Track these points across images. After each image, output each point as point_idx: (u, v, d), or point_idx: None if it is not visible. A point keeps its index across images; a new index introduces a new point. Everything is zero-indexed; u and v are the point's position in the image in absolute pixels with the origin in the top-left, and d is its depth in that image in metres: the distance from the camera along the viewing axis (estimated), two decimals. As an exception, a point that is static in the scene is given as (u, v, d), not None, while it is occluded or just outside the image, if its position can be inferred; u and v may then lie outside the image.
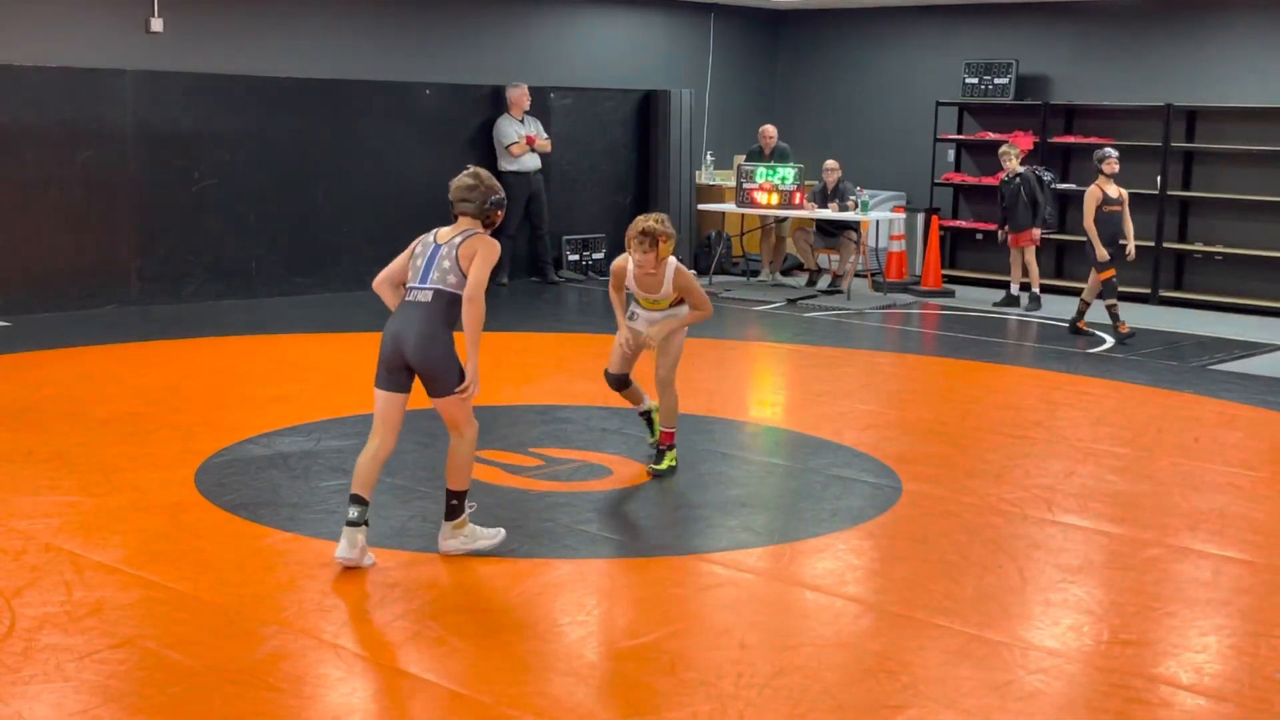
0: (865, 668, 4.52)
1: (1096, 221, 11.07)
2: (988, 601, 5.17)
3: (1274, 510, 6.51)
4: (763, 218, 14.11)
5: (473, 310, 5.30)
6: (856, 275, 14.02)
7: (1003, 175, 12.93)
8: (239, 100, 11.94)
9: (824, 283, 13.81)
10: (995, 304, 13.00)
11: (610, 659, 4.64)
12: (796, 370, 10.00)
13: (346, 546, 5.24)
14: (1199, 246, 13.57)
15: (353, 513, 5.27)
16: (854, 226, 13.37)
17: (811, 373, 9.75)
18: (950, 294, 13.72)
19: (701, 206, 14.65)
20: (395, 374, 5.35)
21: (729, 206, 14.11)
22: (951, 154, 15.28)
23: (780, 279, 14.24)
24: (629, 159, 14.83)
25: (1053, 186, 12.98)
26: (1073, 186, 13.96)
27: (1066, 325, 11.63)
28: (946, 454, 7.39)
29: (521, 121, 13.34)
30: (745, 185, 13.52)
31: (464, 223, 5.46)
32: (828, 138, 15.94)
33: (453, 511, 5.45)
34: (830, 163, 13.64)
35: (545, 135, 13.52)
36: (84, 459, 6.78)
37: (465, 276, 5.29)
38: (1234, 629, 4.98)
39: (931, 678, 4.45)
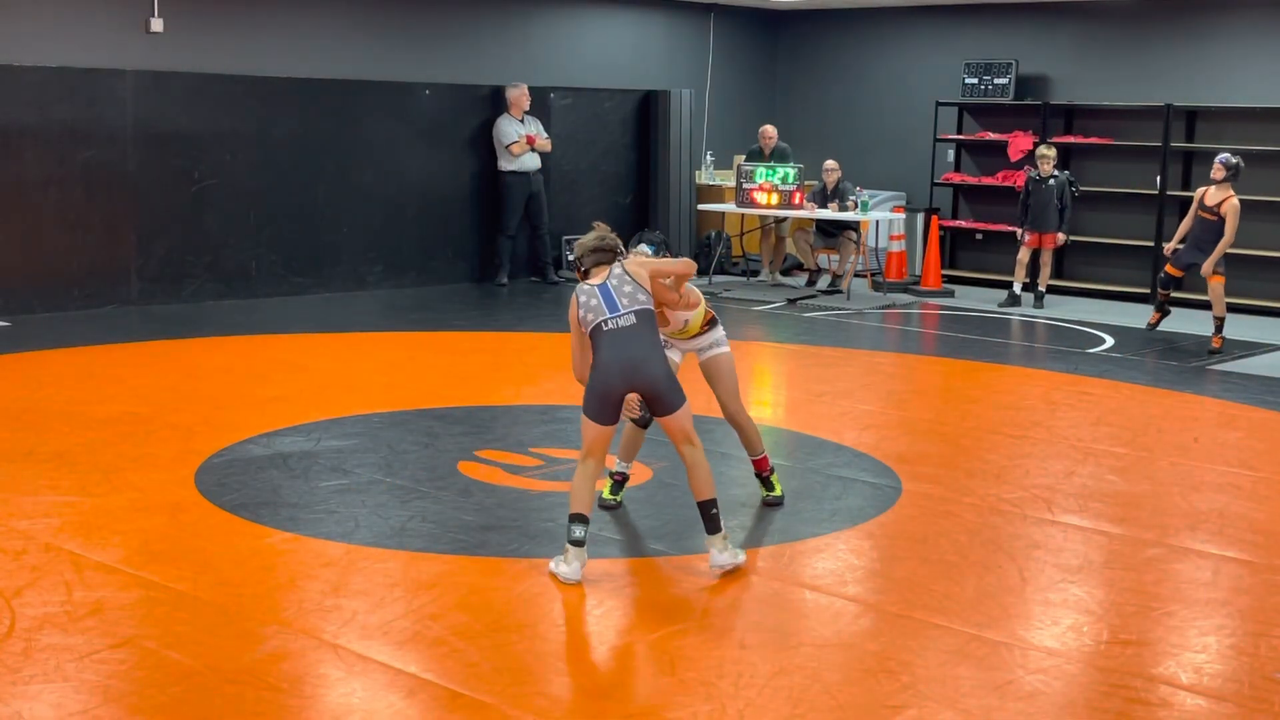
0: (865, 668, 4.53)
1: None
2: (988, 601, 5.17)
3: (1274, 510, 6.51)
4: (763, 218, 14.11)
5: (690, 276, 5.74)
6: (856, 275, 14.02)
7: (1031, 174, 12.92)
8: (239, 100, 11.93)
9: (824, 283, 13.81)
10: (1001, 304, 12.98)
11: (610, 659, 4.64)
12: (796, 370, 10.00)
13: (577, 569, 5.25)
14: (1199, 246, 13.57)
15: (578, 532, 5.25)
16: (854, 226, 13.37)
17: (811, 373, 9.75)
18: (950, 294, 13.72)
19: (701, 206, 14.65)
20: (615, 406, 5.34)
21: (729, 206, 14.11)
22: (951, 154, 15.27)
23: (780, 279, 14.24)
24: (629, 159, 14.83)
25: (1076, 195, 12.97)
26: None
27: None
28: (946, 454, 7.39)
29: (521, 121, 13.35)
30: (745, 185, 13.52)
31: (604, 270, 5.49)
32: (828, 138, 15.94)
33: (715, 523, 5.35)
34: (830, 163, 13.64)
35: (545, 135, 13.53)
36: (84, 459, 6.77)
37: (649, 292, 5.42)
38: (1234, 629, 4.98)
39: (931, 678, 4.45)
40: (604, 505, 6.15)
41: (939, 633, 4.83)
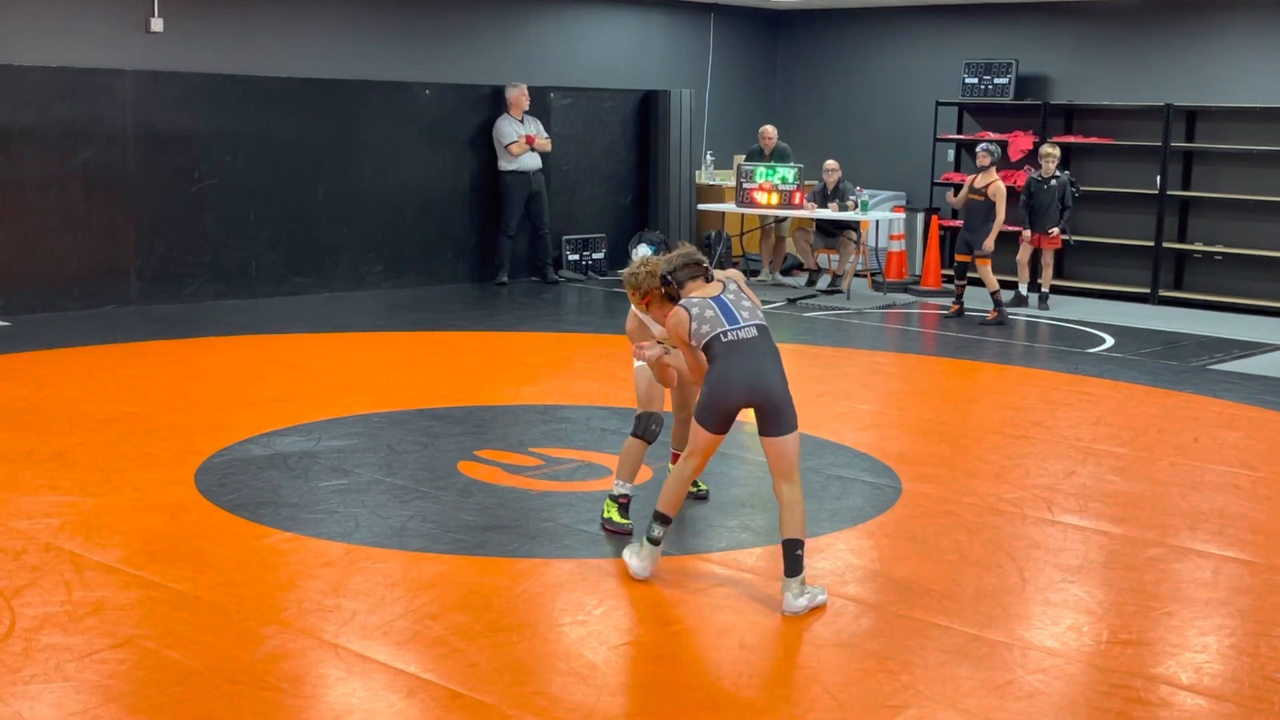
0: (865, 668, 4.53)
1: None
2: (988, 601, 5.17)
3: (1274, 510, 6.51)
4: (763, 218, 14.12)
5: None
6: (856, 275, 14.02)
7: (1032, 175, 12.90)
8: (239, 100, 11.93)
9: (824, 282, 13.81)
10: (1006, 305, 12.95)
11: (610, 659, 4.64)
12: (796, 370, 9.98)
13: (648, 567, 5.29)
14: (1198, 246, 13.58)
15: (657, 531, 5.25)
16: (854, 226, 13.37)
17: (811, 373, 9.75)
18: (950, 294, 13.72)
19: (701, 206, 14.65)
20: (730, 417, 5.16)
21: (729, 206, 14.11)
22: (951, 154, 15.27)
23: (780, 279, 14.25)
24: (629, 159, 14.83)
25: (1076, 195, 12.96)
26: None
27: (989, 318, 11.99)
28: (946, 454, 7.38)
29: (521, 121, 13.35)
30: (745, 185, 13.52)
31: (700, 284, 5.29)
32: (828, 138, 15.94)
33: (797, 565, 5.01)
34: (830, 163, 13.64)
35: (545, 135, 13.53)
36: (84, 459, 6.78)
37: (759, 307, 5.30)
38: (1234, 629, 4.98)
39: (931, 678, 4.45)
40: (615, 529, 5.88)
41: (939, 633, 4.83)
